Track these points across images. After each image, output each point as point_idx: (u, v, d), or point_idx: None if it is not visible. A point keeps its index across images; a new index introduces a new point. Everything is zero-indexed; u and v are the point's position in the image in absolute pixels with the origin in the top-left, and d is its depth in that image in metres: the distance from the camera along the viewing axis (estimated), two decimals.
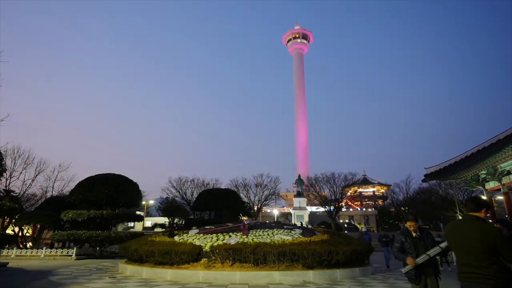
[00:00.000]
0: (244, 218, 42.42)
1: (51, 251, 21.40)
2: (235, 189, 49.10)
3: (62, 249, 21.93)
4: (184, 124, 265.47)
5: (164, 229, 37.00)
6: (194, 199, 50.86)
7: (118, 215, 23.38)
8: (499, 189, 23.97)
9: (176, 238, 15.23)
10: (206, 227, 17.70)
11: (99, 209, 23.56)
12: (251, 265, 11.41)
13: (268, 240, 13.05)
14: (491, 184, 24.76)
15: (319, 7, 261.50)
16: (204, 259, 12.02)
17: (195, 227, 33.43)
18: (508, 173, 22.51)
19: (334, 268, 11.80)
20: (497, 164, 21.54)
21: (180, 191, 53.76)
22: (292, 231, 15.65)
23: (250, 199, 54.48)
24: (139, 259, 12.91)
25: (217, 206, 30.48)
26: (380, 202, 77.33)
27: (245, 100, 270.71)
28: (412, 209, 55.29)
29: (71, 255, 20.70)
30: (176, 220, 37.67)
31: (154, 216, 60.72)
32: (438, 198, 51.79)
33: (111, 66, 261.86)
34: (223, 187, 47.95)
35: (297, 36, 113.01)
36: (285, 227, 17.02)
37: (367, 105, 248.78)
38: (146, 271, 11.90)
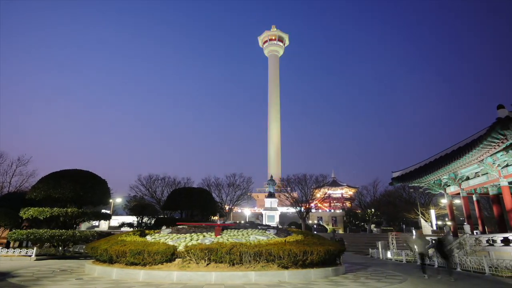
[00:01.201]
0: (215, 218, 42.02)
1: (7, 251, 19.91)
2: (207, 189, 48.57)
3: (20, 249, 20.48)
4: (155, 122, 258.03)
5: (132, 229, 35.79)
6: (165, 197, 49.76)
7: (84, 214, 22.21)
8: (459, 193, 25.65)
9: (148, 237, 14.78)
10: (179, 226, 17.30)
11: (64, 207, 22.27)
12: (226, 265, 11.32)
13: (244, 241, 13.02)
14: (452, 189, 26.44)
15: (297, 10, 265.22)
16: (179, 259, 11.77)
17: (165, 227, 32.66)
18: (467, 178, 24.15)
19: (309, 268, 12.01)
20: (457, 170, 22.97)
21: (150, 189, 52.34)
22: (266, 231, 15.73)
23: (222, 199, 54.15)
24: (108, 260, 12.36)
25: (189, 205, 29.91)
26: (347, 203, 79.80)
27: (219, 99, 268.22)
28: (378, 210, 57.70)
29: (30, 255, 19.37)
30: (145, 219, 36.52)
31: (121, 214, 58.60)
32: (402, 201, 54.36)
33: (80, 57, 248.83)
34: (195, 186, 47.28)
35: (273, 38, 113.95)
36: (259, 227, 17.08)
37: (340, 109, 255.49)
38: (116, 272, 11.40)
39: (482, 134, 17.87)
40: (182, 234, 15.04)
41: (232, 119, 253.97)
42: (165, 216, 38.91)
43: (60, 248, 22.31)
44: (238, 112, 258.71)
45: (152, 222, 34.84)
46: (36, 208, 21.12)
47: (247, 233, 15.16)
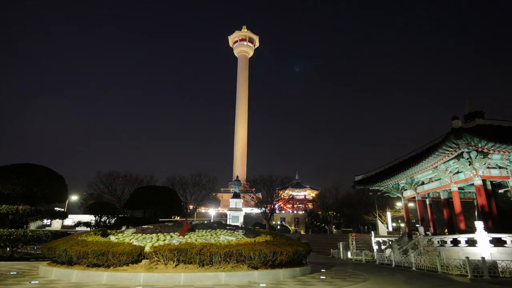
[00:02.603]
0: (177, 218, 41.06)
1: None
2: (172, 188, 47.33)
3: None
4: (119, 118, 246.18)
5: (90, 228, 33.87)
6: (126, 196, 47.71)
7: (37, 212, 20.57)
8: (414, 197, 27.43)
9: (112, 238, 14.08)
10: (144, 226, 16.67)
11: (13, 204, 20.50)
12: (196, 266, 11.11)
13: (213, 241, 12.87)
14: (408, 193, 28.20)
15: (269, 12, 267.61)
16: (145, 260, 11.34)
17: (125, 227, 31.26)
18: (422, 183, 25.89)
19: (278, 268, 12.15)
20: (414, 175, 24.55)
21: (110, 187, 49.91)
22: (235, 232, 15.67)
23: (187, 198, 53.07)
24: (68, 261, 11.56)
25: (153, 205, 28.97)
26: (310, 205, 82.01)
27: (185, 98, 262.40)
28: (339, 212, 59.90)
29: None
30: (104, 219, 34.66)
31: (76, 213, 55.24)
32: (361, 204, 56.95)
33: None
34: (158, 185, 45.86)
35: (244, 38, 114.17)
36: (228, 227, 16.98)
37: (306, 112, 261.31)
38: (77, 274, 10.71)
39: (438, 143, 19.29)
40: (148, 234, 14.53)
41: (199, 119, 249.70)
42: (126, 216, 37.35)
43: (8, 249, 20.49)
44: (205, 111, 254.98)
45: (112, 221, 33.18)
46: None
47: (215, 233, 15.00)
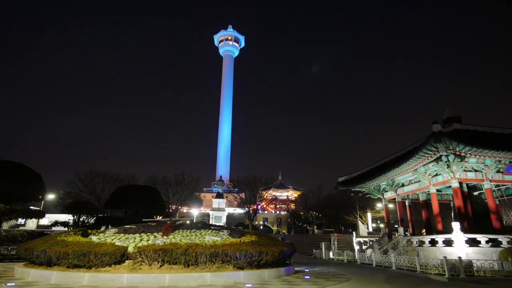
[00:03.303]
0: (160, 217, 40.42)
1: None
2: (154, 187, 46.56)
3: None
4: (101, 116, 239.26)
5: (67, 228, 32.79)
6: (106, 195, 46.53)
7: (13, 211, 19.73)
8: (394, 199, 28.18)
9: (93, 238, 13.72)
10: (126, 226, 16.31)
11: None
12: (181, 266, 10.99)
13: (198, 241, 12.78)
14: (389, 194, 28.93)
15: (254, 13, 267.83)
16: (129, 261, 11.11)
17: (104, 227, 30.45)
18: (403, 185, 26.64)
19: (263, 268, 12.19)
20: (395, 177, 25.22)
21: (89, 185, 48.51)
22: (220, 232, 15.59)
23: (169, 198, 52.33)
24: (46, 262, 11.16)
25: (135, 204, 28.38)
26: (292, 206, 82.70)
27: (168, 96, 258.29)
28: (321, 213, 60.71)
29: None
30: (83, 218, 33.57)
31: (52, 212, 53.36)
32: (343, 205, 57.93)
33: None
34: (140, 183, 44.96)
35: (229, 38, 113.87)
36: (212, 227, 16.87)
37: (290, 112, 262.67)
38: (56, 276, 10.36)
39: (418, 146, 19.93)
40: (131, 235, 14.25)
41: (182, 117, 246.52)
42: (106, 215, 36.40)
43: None
44: (189, 110, 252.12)
45: (92, 221, 32.23)
46: None
47: (200, 233, 14.88)
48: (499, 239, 17.45)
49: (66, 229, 33.11)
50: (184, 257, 10.93)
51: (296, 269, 15.17)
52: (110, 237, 13.91)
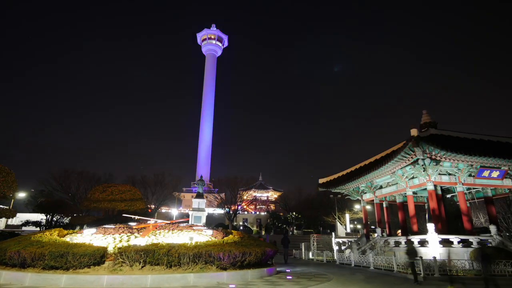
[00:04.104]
0: (137, 217, 39.52)
1: None
2: (133, 186, 45.48)
3: None
4: (77, 112, 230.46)
5: (40, 228, 31.49)
6: (81, 194, 45.02)
7: None
8: (373, 200, 28.96)
9: (69, 238, 13.28)
10: (105, 226, 15.85)
11: None
12: (163, 267, 10.80)
13: (181, 241, 12.62)
14: (367, 196, 29.67)
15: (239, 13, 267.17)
16: (109, 262, 10.82)
17: (79, 227, 29.40)
18: (381, 187, 27.40)
19: (246, 268, 12.20)
20: (374, 179, 25.90)
21: (63, 184, 46.69)
22: (203, 232, 15.49)
23: (148, 198, 51.26)
24: (20, 264, 10.64)
25: (113, 204, 27.61)
26: (272, 206, 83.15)
27: (148, 94, 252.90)
28: (300, 214, 61.42)
29: None
30: (57, 218, 32.34)
31: (22, 211, 51.01)
32: (322, 206, 58.86)
33: None
34: (118, 182, 43.78)
35: (213, 37, 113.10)
36: (195, 228, 16.71)
37: (272, 114, 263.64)
38: (31, 278, 9.92)
39: (396, 149, 20.59)
40: (110, 235, 13.87)
41: (163, 117, 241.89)
42: (81, 215, 35.26)
43: None
44: (170, 109, 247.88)
45: (66, 221, 31.11)
46: None
47: (182, 234, 14.70)
48: (470, 240, 18.31)
49: (38, 229, 31.80)
50: (167, 258, 10.76)
51: (277, 269, 15.29)
52: (87, 237, 13.51)
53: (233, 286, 10.30)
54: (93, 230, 15.11)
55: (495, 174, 21.44)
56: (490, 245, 18.12)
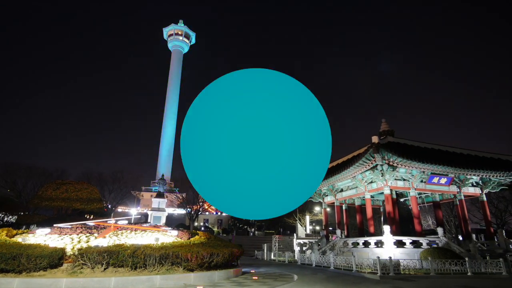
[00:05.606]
0: (91, 216, 37.43)
1: None
2: (89, 183, 42.90)
3: None
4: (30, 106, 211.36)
5: None
6: (29, 190, 41.60)
7: None
8: (333, 203, 30.16)
9: (20, 238, 12.24)
10: (60, 226, 14.82)
11: None
12: (128, 269, 10.40)
13: (145, 242, 12.22)
14: (329, 198, 30.85)
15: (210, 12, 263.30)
16: (67, 264, 10.18)
17: (25, 226, 27.12)
18: (342, 190, 28.64)
19: (213, 269, 12.13)
20: (335, 183, 27.00)
21: (8, 179, 42.75)
22: (168, 233, 15.12)
23: (104, 196, 48.67)
24: None
25: (67, 201, 25.86)
26: None
27: (109, 88, 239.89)
28: None
29: None
30: (1, 216, 29.52)
31: None
32: None
33: None
34: (72, 179, 41.08)
35: (180, 33, 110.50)
36: (162, 228, 16.24)
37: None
38: None
39: (357, 154, 21.71)
40: (67, 235, 13.04)
41: (124, 114, 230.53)
42: (29, 213, 32.60)
43: None
44: (131, 105, 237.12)
45: (12, 219, 28.56)
46: None
47: (147, 234, 14.24)
48: (420, 241, 19.79)
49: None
50: (132, 259, 10.36)
51: (242, 270, 15.34)
52: (41, 237, 12.59)
53: (200, 287, 10.19)
54: (47, 230, 14.08)
55: (443, 180, 23.40)
56: (437, 245, 19.73)
